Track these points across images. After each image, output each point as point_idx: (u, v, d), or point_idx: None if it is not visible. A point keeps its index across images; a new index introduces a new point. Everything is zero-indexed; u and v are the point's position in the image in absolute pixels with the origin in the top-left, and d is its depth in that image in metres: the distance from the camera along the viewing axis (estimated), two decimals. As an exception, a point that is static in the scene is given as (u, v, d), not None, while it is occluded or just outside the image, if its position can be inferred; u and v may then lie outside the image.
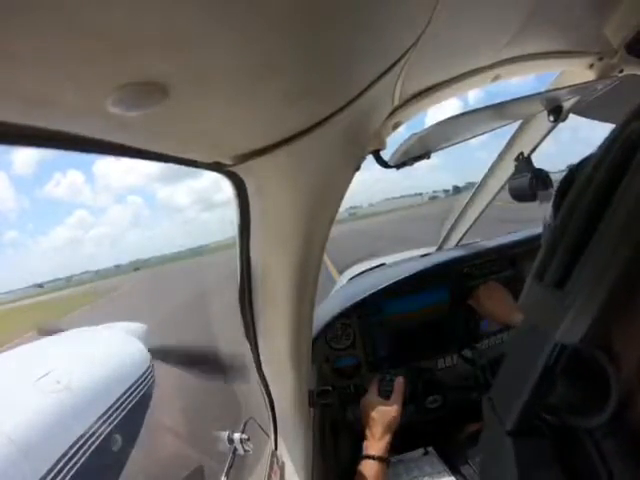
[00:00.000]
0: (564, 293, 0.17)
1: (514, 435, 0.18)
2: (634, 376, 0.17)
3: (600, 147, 0.20)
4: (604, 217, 0.17)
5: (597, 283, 0.16)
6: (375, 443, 0.80)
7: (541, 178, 0.68)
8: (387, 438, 0.81)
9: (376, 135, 0.52)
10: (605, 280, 0.16)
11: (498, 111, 0.53)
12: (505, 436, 0.19)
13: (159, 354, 2.46)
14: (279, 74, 0.23)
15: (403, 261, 1.56)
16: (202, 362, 2.76)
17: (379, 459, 0.78)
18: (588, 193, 0.18)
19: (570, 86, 0.50)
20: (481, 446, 0.23)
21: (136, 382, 1.99)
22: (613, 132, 0.19)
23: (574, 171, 0.22)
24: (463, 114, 0.47)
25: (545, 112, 0.60)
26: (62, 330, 2.59)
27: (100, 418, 1.60)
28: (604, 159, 0.18)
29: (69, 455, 1.37)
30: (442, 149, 0.63)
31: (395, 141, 0.56)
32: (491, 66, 0.54)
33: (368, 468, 0.77)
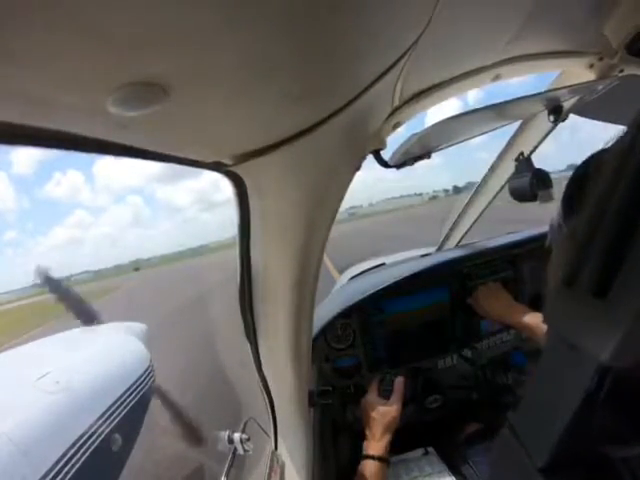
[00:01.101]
0: (607, 304, 0.15)
1: (546, 472, 0.16)
2: None
3: (621, 139, 0.17)
4: None
5: None
6: (375, 443, 0.80)
7: (541, 178, 0.68)
8: (387, 438, 0.81)
9: (376, 135, 0.52)
10: None
11: (498, 111, 0.53)
12: (535, 473, 0.16)
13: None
14: (279, 74, 0.23)
15: (403, 261, 1.56)
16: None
17: (379, 459, 0.78)
18: (619, 188, 0.16)
19: (570, 86, 0.50)
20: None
21: (136, 382, 1.99)
22: (634, 122, 0.17)
23: (587, 167, 0.20)
24: (463, 114, 0.47)
25: (545, 112, 0.60)
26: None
27: (100, 418, 1.59)
28: (632, 151, 0.16)
29: (69, 455, 1.36)
30: (442, 149, 0.63)
31: (395, 141, 0.56)
32: (491, 66, 0.54)
33: (368, 468, 0.77)
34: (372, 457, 0.78)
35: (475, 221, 1.43)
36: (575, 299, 0.16)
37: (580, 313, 0.16)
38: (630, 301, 0.14)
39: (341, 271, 2.58)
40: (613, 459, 0.16)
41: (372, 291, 1.11)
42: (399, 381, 0.91)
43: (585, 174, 0.21)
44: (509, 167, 1.14)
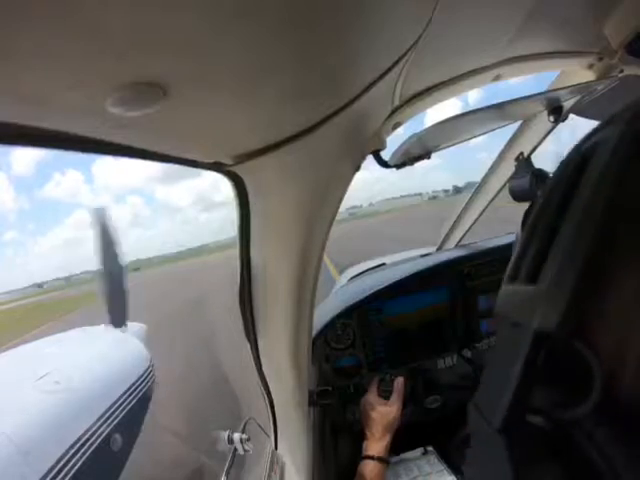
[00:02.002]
0: (536, 287, 0.18)
1: (505, 432, 0.18)
2: (614, 359, 0.17)
3: (558, 166, 0.21)
4: (566, 214, 0.19)
5: (566, 268, 0.17)
6: (375, 443, 0.80)
7: (541, 178, 0.68)
8: (387, 438, 0.81)
9: (376, 135, 0.52)
10: (574, 264, 0.17)
11: (498, 111, 0.53)
12: (495, 435, 0.18)
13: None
14: (279, 74, 0.23)
15: (403, 261, 1.56)
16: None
17: (379, 459, 0.78)
18: (552, 201, 0.20)
19: (570, 86, 0.50)
20: (470, 455, 0.22)
21: (136, 382, 1.99)
22: (569, 154, 0.21)
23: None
24: (463, 114, 0.47)
25: (545, 112, 0.60)
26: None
27: (100, 418, 1.59)
28: (562, 174, 0.21)
29: (69, 455, 1.36)
30: (442, 149, 0.63)
31: (395, 141, 0.56)
32: (491, 66, 0.54)
33: (368, 468, 0.77)
34: (372, 457, 0.78)
35: (475, 221, 1.43)
36: (516, 289, 0.20)
37: (519, 298, 0.20)
38: (552, 278, 0.18)
39: (341, 271, 2.58)
40: (567, 425, 0.18)
41: (372, 291, 1.11)
42: (399, 381, 0.91)
43: (536, 198, 0.24)
44: (509, 167, 1.14)
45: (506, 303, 0.21)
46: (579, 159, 0.20)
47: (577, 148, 0.21)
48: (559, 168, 0.21)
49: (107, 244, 2.47)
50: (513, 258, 0.22)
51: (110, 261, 2.47)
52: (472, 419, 0.20)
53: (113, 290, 2.47)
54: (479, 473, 0.19)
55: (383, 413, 0.84)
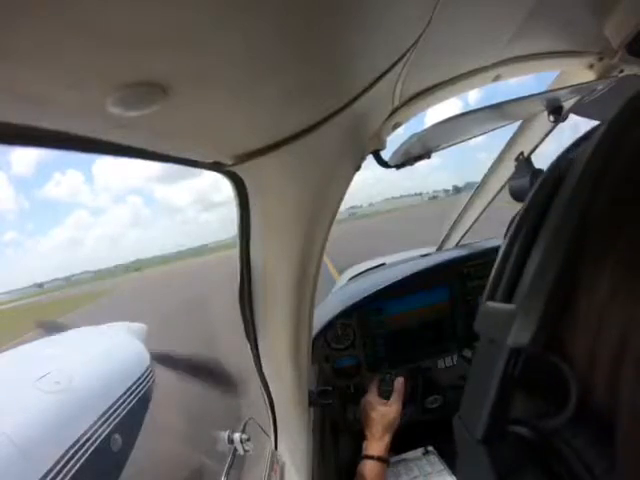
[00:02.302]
0: (511, 304, 0.19)
1: (486, 442, 0.19)
2: (587, 368, 0.17)
3: (538, 183, 0.22)
4: (539, 234, 0.19)
5: (537, 287, 0.18)
6: (375, 443, 0.80)
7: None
8: (387, 438, 0.81)
9: (376, 135, 0.52)
10: (544, 283, 0.18)
11: (498, 111, 0.53)
12: (478, 445, 0.19)
13: (161, 360, 2.44)
14: (279, 74, 0.23)
15: (403, 261, 1.56)
16: (203, 371, 2.72)
17: (379, 459, 0.78)
18: (528, 220, 0.21)
19: (570, 86, 0.50)
20: (458, 465, 0.23)
21: (136, 382, 1.99)
22: (547, 169, 0.22)
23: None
24: (463, 114, 0.47)
25: (545, 112, 0.60)
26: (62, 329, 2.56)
27: (100, 418, 1.59)
28: (540, 192, 0.21)
29: (69, 455, 1.36)
30: (442, 149, 0.63)
31: (395, 141, 0.56)
32: (491, 66, 0.54)
33: (368, 468, 0.77)
34: (372, 457, 0.78)
35: (475, 221, 1.43)
36: (494, 306, 0.21)
37: (495, 315, 0.20)
38: (525, 296, 0.18)
39: (341, 271, 2.58)
40: (546, 435, 0.19)
41: (372, 291, 1.11)
42: (399, 381, 0.91)
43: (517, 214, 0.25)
44: (509, 167, 1.14)
45: (484, 320, 0.22)
46: (556, 176, 0.20)
47: (556, 164, 0.22)
48: (538, 184, 0.22)
49: None
50: (491, 277, 0.22)
51: None
52: (457, 431, 0.21)
53: None
54: (464, 476, 0.20)
55: (383, 413, 0.84)
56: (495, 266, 0.22)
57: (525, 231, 0.20)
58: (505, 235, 0.24)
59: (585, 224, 0.17)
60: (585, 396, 0.17)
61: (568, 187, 0.19)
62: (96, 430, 1.54)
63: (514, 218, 0.23)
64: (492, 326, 0.21)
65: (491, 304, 0.21)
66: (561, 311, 0.18)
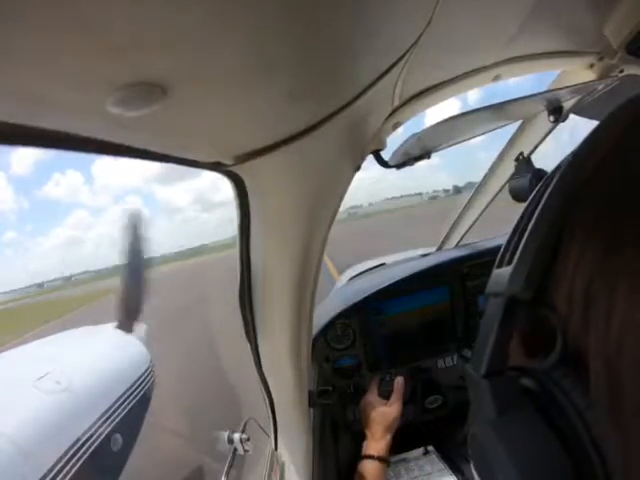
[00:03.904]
0: (512, 266, 0.23)
1: (488, 377, 0.22)
2: (567, 314, 0.21)
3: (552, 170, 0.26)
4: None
5: (528, 247, 0.22)
6: (375, 443, 0.80)
7: (541, 178, 0.68)
8: (387, 438, 0.81)
9: (376, 135, 0.52)
10: (534, 243, 0.22)
11: (498, 111, 0.53)
12: (481, 380, 0.22)
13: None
14: (279, 74, 0.23)
15: (403, 261, 1.56)
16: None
17: (379, 459, 0.78)
18: (533, 203, 0.24)
19: (570, 86, 0.50)
20: (471, 411, 0.26)
21: (136, 382, 1.99)
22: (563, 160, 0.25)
23: None
24: (463, 114, 0.47)
25: (545, 112, 0.60)
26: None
27: (100, 418, 1.60)
28: (549, 179, 0.25)
29: (69, 455, 1.36)
30: (442, 149, 0.63)
31: (395, 141, 0.56)
32: (491, 66, 0.54)
33: (368, 468, 0.77)
34: (372, 457, 0.78)
35: (475, 221, 1.43)
36: (500, 271, 0.25)
37: (499, 277, 0.24)
38: (517, 259, 0.23)
39: (341, 271, 2.58)
40: (538, 377, 0.22)
41: (372, 291, 1.11)
42: (399, 381, 0.91)
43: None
44: (509, 167, 1.14)
45: (492, 283, 0.26)
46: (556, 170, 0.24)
47: (559, 164, 0.25)
48: (552, 171, 0.26)
49: (135, 247, 2.45)
50: (501, 250, 0.26)
51: (134, 262, 2.45)
52: (467, 375, 0.25)
53: (130, 292, 2.44)
54: (478, 422, 0.23)
55: (383, 413, 0.84)
56: (507, 239, 0.26)
57: (529, 211, 0.24)
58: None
59: (567, 203, 0.22)
60: (567, 340, 0.21)
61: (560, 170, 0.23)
62: (96, 430, 1.54)
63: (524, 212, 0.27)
64: (496, 284, 0.25)
65: (498, 270, 0.25)
66: (547, 268, 0.22)
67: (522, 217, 0.25)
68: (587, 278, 0.20)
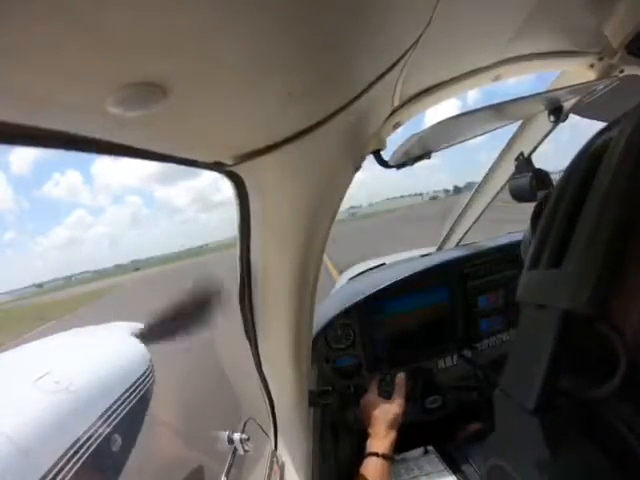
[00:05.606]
0: (561, 270, 0.19)
1: (539, 412, 0.18)
2: (636, 338, 0.17)
3: (570, 163, 0.22)
4: (585, 205, 0.20)
5: (590, 253, 0.18)
6: (379, 441, 0.80)
7: (541, 178, 0.68)
8: (392, 435, 0.81)
9: (376, 135, 0.52)
10: (597, 249, 0.18)
11: (498, 111, 0.53)
12: (529, 416, 0.19)
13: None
14: (279, 74, 0.23)
15: (403, 261, 1.56)
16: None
17: (383, 456, 0.77)
18: (567, 194, 0.21)
19: (570, 86, 0.50)
20: (496, 443, 0.22)
21: (136, 382, 1.99)
22: (580, 151, 0.22)
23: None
24: (463, 114, 0.47)
25: (545, 112, 0.60)
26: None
27: (100, 418, 1.59)
28: (575, 170, 0.22)
29: (69, 455, 1.36)
30: (442, 149, 0.63)
31: (395, 141, 0.56)
32: (491, 66, 0.54)
33: (372, 465, 0.76)
34: (376, 454, 0.77)
35: (475, 221, 1.44)
36: (538, 274, 0.21)
37: (543, 282, 0.20)
38: (575, 265, 0.19)
39: (341, 271, 2.58)
40: (593, 404, 0.18)
41: (372, 291, 1.11)
42: (400, 377, 0.91)
43: (548, 195, 0.25)
44: (509, 167, 1.14)
45: (529, 288, 0.21)
46: (591, 155, 0.20)
47: (588, 145, 0.22)
48: (571, 165, 0.22)
49: None
50: (532, 248, 0.22)
51: None
52: (499, 405, 0.20)
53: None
54: (513, 457, 0.19)
55: (386, 410, 0.84)
56: (536, 238, 0.22)
57: (566, 204, 0.21)
58: (534, 216, 0.24)
59: (630, 198, 0.18)
60: (633, 365, 0.17)
61: (609, 164, 0.19)
62: (96, 430, 1.54)
63: (539, 205, 0.24)
64: (540, 292, 0.20)
65: (535, 272, 0.21)
66: (612, 279, 0.18)
67: (559, 199, 0.21)
68: None
